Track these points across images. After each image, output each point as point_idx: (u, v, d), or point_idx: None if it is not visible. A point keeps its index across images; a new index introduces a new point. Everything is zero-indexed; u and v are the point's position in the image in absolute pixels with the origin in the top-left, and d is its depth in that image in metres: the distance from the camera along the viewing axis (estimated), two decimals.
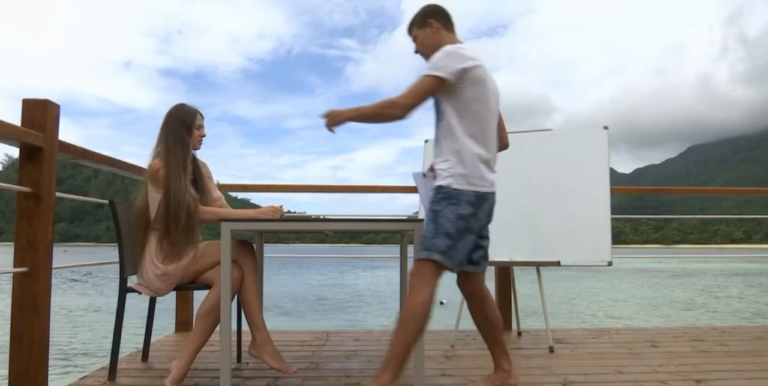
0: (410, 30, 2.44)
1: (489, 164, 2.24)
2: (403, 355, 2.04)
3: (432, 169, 2.42)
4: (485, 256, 2.38)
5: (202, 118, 2.73)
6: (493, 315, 2.40)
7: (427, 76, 2.13)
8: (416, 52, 2.40)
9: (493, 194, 2.25)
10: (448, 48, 2.17)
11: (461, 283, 2.42)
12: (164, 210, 2.49)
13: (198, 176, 2.73)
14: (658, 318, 14.07)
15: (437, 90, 2.16)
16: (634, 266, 38.44)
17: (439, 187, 2.19)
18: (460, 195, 2.15)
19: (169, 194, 2.49)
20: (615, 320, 13.40)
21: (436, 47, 2.27)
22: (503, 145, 2.53)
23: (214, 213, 2.58)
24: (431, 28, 2.35)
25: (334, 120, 2.19)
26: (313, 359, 2.94)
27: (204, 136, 2.72)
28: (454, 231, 2.11)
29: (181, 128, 2.63)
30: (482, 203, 2.19)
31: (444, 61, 2.14)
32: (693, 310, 15.75)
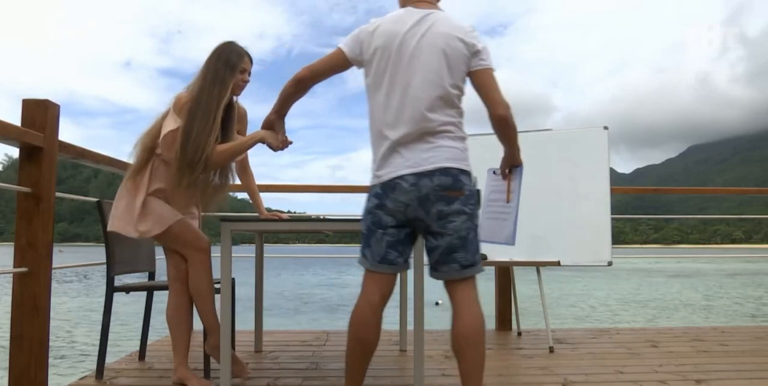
0: None
1: (394, 146, 1.88)
2: (347, 372, 1.94)
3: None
4: (440, 260, 1.88)
5: (251, 62, 2.50)
6: (455, 336, 1.93)
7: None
8: None
9: (400, 178, 1.84)
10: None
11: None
12: (179, 147, 2.28)
13: (227, 120, 2.44)
14: (658, 318, 14.07)
15: (340, 64, 1.97)
16: (635, 266, 38.45)
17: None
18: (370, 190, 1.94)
19: (191, 132, 2.27)
20: (615, 320, 13.40)
21: None
22: (494, 115, 1.93)
23: (222, 151, 2.33)
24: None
25: (266, 125, 2.22)
26: (313, 359, 2.94)
27: (247, 82, 2.50)
28: (365, 228, 1.91)
29: (224, 68, 2.40)
30: (388, 191, 1.86)
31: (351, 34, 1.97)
32: (693, 310, 15.76)
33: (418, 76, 1.86)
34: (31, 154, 2.27)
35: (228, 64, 2.39)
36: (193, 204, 2.55)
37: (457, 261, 1.87)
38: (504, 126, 1.95)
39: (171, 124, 2.32)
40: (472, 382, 1.86)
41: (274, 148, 2.30)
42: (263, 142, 2.30)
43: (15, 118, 2.27)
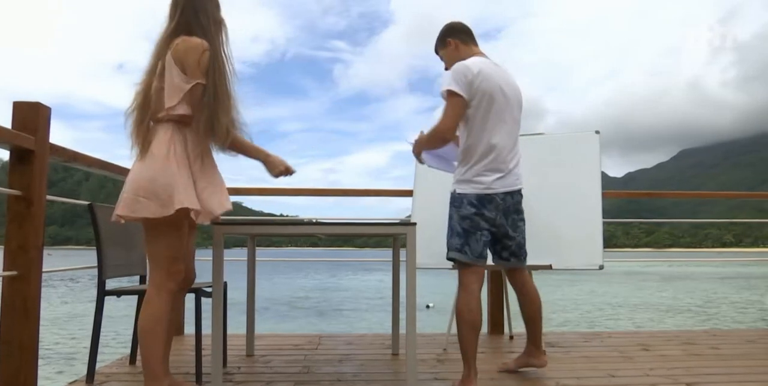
0: (437, 51, 2.72)
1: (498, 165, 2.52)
2: (466, 352, 2.37)
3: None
4: (514, 253, 2.62)
5: None
6: (528, 309, 2.69)
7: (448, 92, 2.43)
8: (446, 69, 2.62)
9: (496, 193, 2.50)
10: (457, 68, 2.45)
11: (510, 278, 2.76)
12: (220, 106, 2.06)
13: None
14: (650, 321, 14.12)
15: (465, 108, 2.45)
16: (627, 269, 38.58)
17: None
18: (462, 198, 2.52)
19: (225, 91, 2.08)
20: (607, 323, 13.44)
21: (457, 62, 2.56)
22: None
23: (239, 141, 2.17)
24: (450, 46, 2.63)
25: (416, 148, 2.67)
26: (305, 363, 2.93)
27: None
28: (463, 230, 2.46)
29: (209, 3, 2.17)
30: (485, 202, 2.47)
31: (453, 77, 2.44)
32: (685, 313, 15.83)
33: (515, 114, 2.55)
34: (22, 156, 2.26)
35: (214, 3, 2.20)
36: (215, 165, 2.22)
37: (524, 254, 2.67)
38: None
39: (182, 87, 2.05)
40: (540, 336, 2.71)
41: (273, 175, 2.27)
42: (267, 165, 2.24)
43: (6, 121, 2.26)
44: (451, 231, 2.49)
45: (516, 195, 2.56)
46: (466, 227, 2.44)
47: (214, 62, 2.09)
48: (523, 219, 2.63)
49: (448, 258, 2.51)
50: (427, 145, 2.60)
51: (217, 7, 2.22)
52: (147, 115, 2.12)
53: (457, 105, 2.41)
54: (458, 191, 2.49)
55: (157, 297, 2.05)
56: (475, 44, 2.65)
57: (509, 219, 2.54)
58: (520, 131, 2.61)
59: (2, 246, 2.25)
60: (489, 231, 2.47)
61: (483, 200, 2.44)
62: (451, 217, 2.50)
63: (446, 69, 2.63)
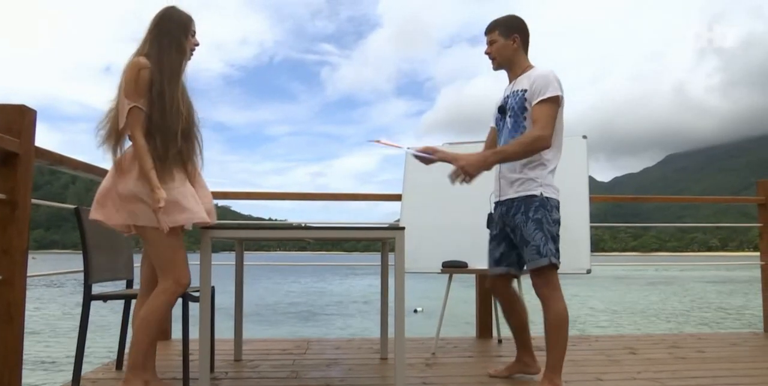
0: (490, 30, 2.55)
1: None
2: (563, 355, 2.41)
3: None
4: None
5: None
6: (524, 316, 2.78)
7: (555, 98, 2.39)
8: (487, 53, 2.56)
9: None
10: (554, 74, 2.44)
11: (500, 287, 2.71)
12: (159, 114, 2.14)
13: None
14: (636, 325, 14.20)
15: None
16: (614, 273, 38.79)
17: (533, 196, 2.45)
18: (552, 203, 2.49)
19: (165, 98, 2.16)
20: (594, 328, 13.50)
21: (509, 61, 2.54)
22: None
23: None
24: (513, 42, 2.52)
25: (475, 170, 2.38)
26: (293, 368, 2.92)
27: (198, 45, 2.36)
28: (557, 235, 2.45)
29: (177, 30, 2.27)
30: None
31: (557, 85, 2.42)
32: (671, 317, 15.94)
33: None
34: (6, 159, 2.24)
35: (181, 27, 2.28)
36: (185, 177, 2.27)
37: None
38: None
39: (133, 97, 2.14)
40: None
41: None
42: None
43: None
44: (546, 236, 2.41)
45: None
46: (557, 232, 2.46)
47: (159, 84, 2.16)
48: None
49: (547, 265, 2.41)
50: (524, 155, 2.42)
51: (185, 34, 2.30)
52: (115, 132, 2.23)
53: (554, 109, 2.40)
54: (546, 195, 2.45)
55: (161, 297, 2.20)
56: (528, 56, 2.60)
57: None
58: None
59: None
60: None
61: (559, 206, 2.51)
62: (541, 221, 2.42)
63: (487, 53, 2.56)
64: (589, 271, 3.28)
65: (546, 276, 2.42)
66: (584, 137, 3.62)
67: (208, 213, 2.30)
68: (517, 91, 2.50)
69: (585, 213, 3.41)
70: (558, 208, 2.49)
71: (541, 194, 2.43)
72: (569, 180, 3.51)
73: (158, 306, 2.19)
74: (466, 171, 2.36)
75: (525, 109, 2.46)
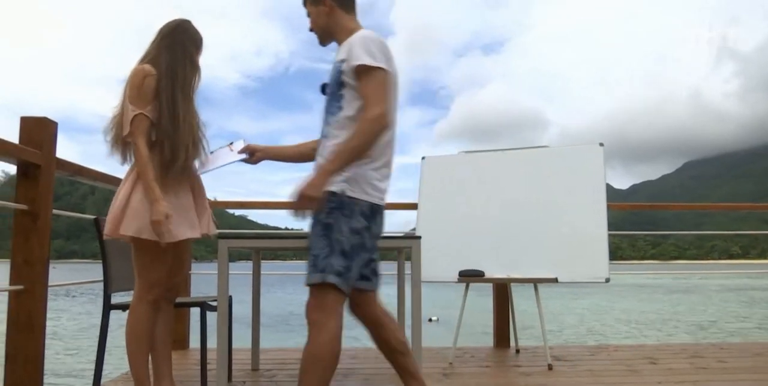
0: (303, 3, 2.11)
1: (387, 173, 1.96)
2: None
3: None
4: (376, 271, 2.06)
5: None
6: (395, 342, 2.05)
7: (377, 69, 1.85)
8: (310, 30, 2.10)
9: (382, 208, 1.97)
10: (371, 35, 1.93)
11: (353, 308, 2.05)
12: (171, 127, 2.11)
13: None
14: (657, 334, 14.01)
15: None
16: (633, 282, 38.35)
17: (332, 193, 1.85)
18: (354, 206, 1.85)
19: (174, 109, 2.12)
20: (613, 337, 13.33)
21: (327, 29, 2.05)
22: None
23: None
24: (324, 6, 2.02)
25: (312, 195, 1.81)
26: None
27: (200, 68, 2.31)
28: (349, 248, 1.83)
29: (191, 45, 2.24)
30: (376, 215, 1.93)
31: (378, 50, 1.88)
32: (692, 326, 15.70)
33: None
34: (28, 171, 2.28)
35: (194, 42, 2.26)
36: (186, 189, 2.26)
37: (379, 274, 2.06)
38: None
39: (138, 104, 2.10)
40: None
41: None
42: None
43: (11, 135, 2.29)
44: (331, 247, 1.81)
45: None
46: (354, 245, 1.84)
47: (171, 92, 2.14)
48: None
49: (320, 283, 1.80)
50: (367, 146, 1.84)
51: (197, 50, 2.29)
52: (120, 139, 2.20)
53: (384, 82, 1.87)
54: (349, 194, 1.85)
55: (137, 307, 2.17)
56: (355, 16, 2.07)
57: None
58: None
59: (7, 260, 2.26)
60: (370, 251, 1.95)
61: (375, 212, 1.92)
62: (330, 227, 1.83)
63: (311, 30, 2.09)
64: (607, 280, 3.25)
65: (319, 298, 1.82)
66: (601, 145, 3.60)
67: (207, 223, 2.30)
68: (335, 62, 1.97)
69: (603, 222, 3.39)
70: (369, 216, 1.88)
71: (342, 192, 1.84)
72: (586, 188, 3.50)
73: (135, 316, 2.16)
74: (306, 195, 1.80)
75: (342, 84, 1.91)
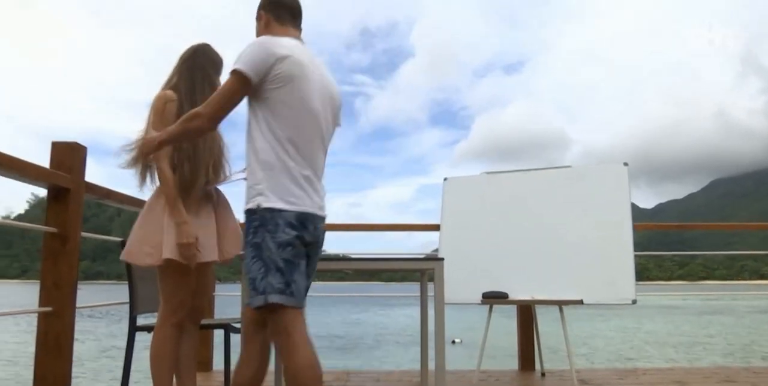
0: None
1: (309, 181, 1.87)
2: None
3: None
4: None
5: None
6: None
7: (232, 71, 1.80)
8: None
9: (316, 217, 1.88)
10: (258, 39, 1.86)
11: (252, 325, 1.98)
12: (180, 152, 2.16)
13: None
14: (686, 357, 13.66)
15: (243, 90, 1.82)
16: (660, 303, 37.55)
17: (250, 211, 1.80)
18: (277, 219, 1.78)
19: (195, 145, 2.17)
20: (641, 360, 13.03)
21: None
22: None
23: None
24: (261, 20, 2.01)
25: (148, 147, 1.92)
26: None
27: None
28: (283, 263, 1.77)
29: (211, 67, 2.29)
30: (307, 224, 1.83)
31: (247, 55, 1.81)
32: (723, 349, 15.28)
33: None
34: (58, 194, 2.33)
35: (214, 65, 2.32)
36: (208, 210, 2.29)
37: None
38: None
39: (160, 128, 2.10)
40: None
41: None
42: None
43: (38, 157, 2.35)
44: (266, 267, 1.76)
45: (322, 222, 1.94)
46: (285, 259, 1.77)
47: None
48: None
49: (264, 305, 1.75)
50: (180, 135, 1.88)
51: (217, 73, 2.34)
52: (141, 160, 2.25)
53: (234, 84, 1.81)
54: (265, 205, 1.78)
55: (161, 329, 2.20)
56: (295, 27, 2.02)
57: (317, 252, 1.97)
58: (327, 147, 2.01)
59: (36, 280, 2.30)
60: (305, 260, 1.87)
61: (305, 220, 1.82)
62: (260, 247, 1.76)
63: None
64: (634, 302, 3.20)
65: (274, 321, 1.79)
66: (625, 164, 3.57)
67: (233, 243, 2.33)
68: None
69: (629, 242, 3.35)
70: (298, 225, 1.79)
71: (258, 206, 1.78)
72: (611, 208, 3.47)
73: (159, 338, 2.21)
74: (142, 147, 1.94)
75: None
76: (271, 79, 1.78)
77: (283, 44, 1.83)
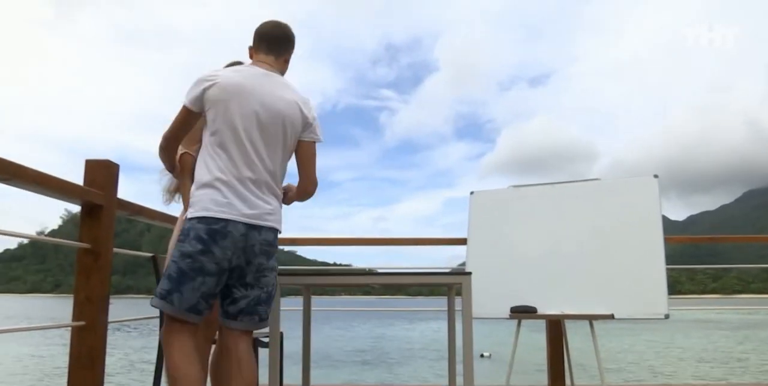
0: None
1: (236, 192, 1.98)
2: None
3: None
4: (244, 310, 2.02)
5: None
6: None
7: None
8: None
9: (239, 224, 1.96)
10: (204, 73, 2.10)
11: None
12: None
13: None
14: (722, 373, 13.29)
15: (188, 118, 2.09)
16: (694, 317, 36.69)
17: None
18: (190, 230, 1.95)
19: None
20: (675, 375, 12.72)
21: None
22: (304, 190, 2.26)
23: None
24: (251, 54, 2.27)
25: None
26: None
27: None
28: (176, 272, 1.91)
29: None
30: (217, 238, 1.93)
31: (188, 89, 2.08)
32: (760, 364, 14.83)
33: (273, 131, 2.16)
34: (91, 211, 2.38)
35: None
36: None
37: (258, 313, 2.04)
38: (305, 199, 2.29)
39: (185, 144, 2.33)
40: None
41: None
42: None
43: (73, 174, 2.41)
44: (166, 273, 1.97)
45: (267, 232, 2.04)
46: (181, 270, 1.91)
47: None
48: (274, 269, 2.09)
49: (153, 306, 1.98)
50: (161, 158, 2.27)
51: None
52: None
53: (181, 114, 2.09)
54: (188, 216, 2.01)
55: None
56: (268, 52, 2.21)
57: (252, 261, 2.01)
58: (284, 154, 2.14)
59: (68, 294, 2.35)
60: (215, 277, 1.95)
61: (215, 233, 1.93)
62: (174, 253, 1.99)
63: None
64: (667, 316, 3.13)
65: (165, 320, 2.00)
66: (655, 176, 3.52)
67: None
68: None
69: (660, 255, 3.29)
70: (207, 240, 1.91)
71: (186, 218, 2.01)
72: (641, 220, 3.42)
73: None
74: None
75: None
76: (205, 104, 2.04)
77: (216, 74, 2.06)
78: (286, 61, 2.29)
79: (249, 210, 1.98)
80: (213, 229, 1.92)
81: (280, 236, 2.41)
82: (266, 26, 2.25)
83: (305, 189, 2.25)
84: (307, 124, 2.17)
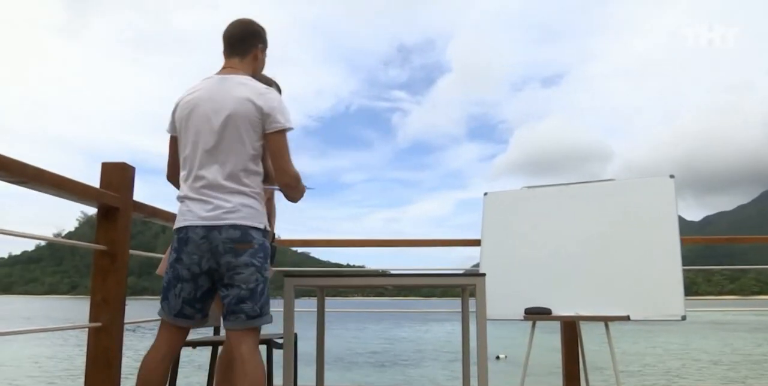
0: None
1: (188, 196, 2.10)
2: None
3: None
4: (228, 309, 2.03)
5: None
6: None
7: None
8: None
9: (195, 228, 2.03)
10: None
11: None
12: None
13: None
14: (740, 375, 13.13)
15: (172, 144, 2.26)
16: (711, 318, 36.29)
17: None
18: (174, 242, 2.13)
19: None
20: (692, 378, 12.59)
21: None
22: (281, 184, 2.20)
23: None
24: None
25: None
26: None
27: None
28: (166, 281, 2.12)
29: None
30: (181, 245, 2.05)
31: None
32: None
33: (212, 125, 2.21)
34: (108, 213, 2.40)
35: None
36: None
37: (243, 311, 2.01)
38: (291, 193, 2.24)
39: None
40: None
41: None
42: None
43: (88, 176, 2.44)
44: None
45: (227, 231, 2.02)
46: (171, 277, 2.11)
47: None
48: (251, 265, 2.02)
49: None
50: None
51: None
52: None
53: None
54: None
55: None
56: (230, 55, 2.25)
57: (220, 261, 2.02)
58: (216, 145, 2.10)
59: (85, 296, 2.37)
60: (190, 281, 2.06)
61: (180, 240, 2.08)
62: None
63: None
64: (683, 318, 3.10)
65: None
66: (671, 177, 3.49)
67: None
68: None
69: (676, 256, 3.26)
70: (177, 247, 2.08)
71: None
72: (657, 221, 3.39)
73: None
74: None
75: None
76: (177, 127, 2.19)
77: (180, 96, 2.21)
78: (256, 58, 2.27)
79: (206, 213, 2.03)
80: (179, 238, 2.06)
81: (293, 238, 2.41)
82: (225, 29, 2.26)
83: (281, 182, 2.16)
84: (264, 115, 2.07)
